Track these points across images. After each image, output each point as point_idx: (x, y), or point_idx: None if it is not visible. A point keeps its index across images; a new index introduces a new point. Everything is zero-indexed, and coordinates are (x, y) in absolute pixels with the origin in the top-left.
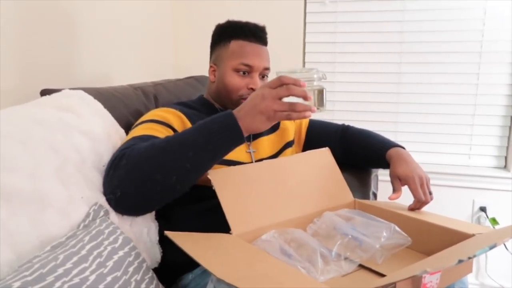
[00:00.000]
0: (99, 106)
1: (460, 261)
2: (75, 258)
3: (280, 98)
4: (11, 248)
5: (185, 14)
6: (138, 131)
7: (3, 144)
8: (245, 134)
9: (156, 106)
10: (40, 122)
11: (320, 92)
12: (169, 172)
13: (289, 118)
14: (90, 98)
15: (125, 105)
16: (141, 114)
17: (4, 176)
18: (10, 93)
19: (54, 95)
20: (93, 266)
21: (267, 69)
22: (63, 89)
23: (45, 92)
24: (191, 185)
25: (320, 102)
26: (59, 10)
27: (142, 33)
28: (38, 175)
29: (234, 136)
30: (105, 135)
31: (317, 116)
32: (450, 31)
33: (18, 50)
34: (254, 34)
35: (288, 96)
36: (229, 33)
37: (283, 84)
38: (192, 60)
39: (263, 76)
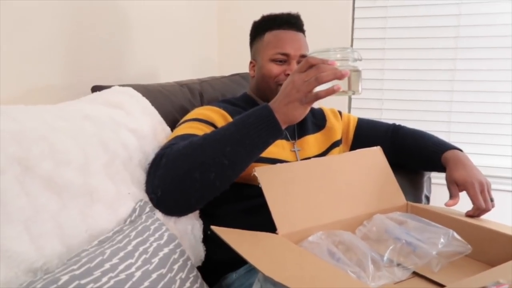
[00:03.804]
0: (147, 103)
1: None
2: (121, 254)
3: None
4: (61, 241)
5: (230, 11)
6: (181, 130)
7: (56, 138)
8: (283, 126)
9: (202, 103)
10: (91, 118)
11: (355, 74)
12: (207, 169)
13: (318, 96)
14: (138, 95)
15: (172, 102)
16: (187, 111)
17: (56, 169)
18: (62, 89)
19: (104, 91)
20: (139, 263)
21: (304, 56)
22: (113, 85)
23: (95, 89)
24: (231, 182)
25: (355, 84)
26: (110, 9)
27: (187, 30)
28: (88, 169)
29: (271, 128)
30: (151, 134)
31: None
32: (510, 25)
33: (71, 48)
34: (288, 21)
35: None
36: (263, 27)
37: (312, 66)
38: (237, 57)
39: None
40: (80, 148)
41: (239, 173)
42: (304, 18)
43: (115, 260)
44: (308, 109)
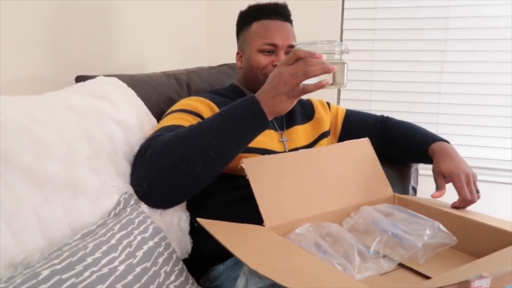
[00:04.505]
0: (132, 94)
1: None
2: (104, 247)
3: None
4: (43, 235)
5: (219, 1)
6: (167, 121)
7: (38, 130)
8: (270, 117)
9: (189, 94)
10: (75, 109)
11: (341, 67)
12: (193, 161)
13: (306, 90)
14: (124, 85)
15: (158, 92)
16: (173, 102)
17: (39, 162)
18: (46, 79)
19: (88, 82)
20: (122, 256)
21: (292, 46)
22: (98, 75)
23: (80, 79)
24: (217, 174)
25: (340, 77)
26: None
27: (176, 20)
28: (72, 162)
29: (258, 120)
30: (137, 125)
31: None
32: (499, 17)
33: (54, 37)
34: (275, 11)
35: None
36: (250, 17)
37: (299, 59)
38: (225, 48)
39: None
40: (64, 139)
41: (226, 164)
42: (293, 9)
43: (97, 254)
44: (295, 102)
